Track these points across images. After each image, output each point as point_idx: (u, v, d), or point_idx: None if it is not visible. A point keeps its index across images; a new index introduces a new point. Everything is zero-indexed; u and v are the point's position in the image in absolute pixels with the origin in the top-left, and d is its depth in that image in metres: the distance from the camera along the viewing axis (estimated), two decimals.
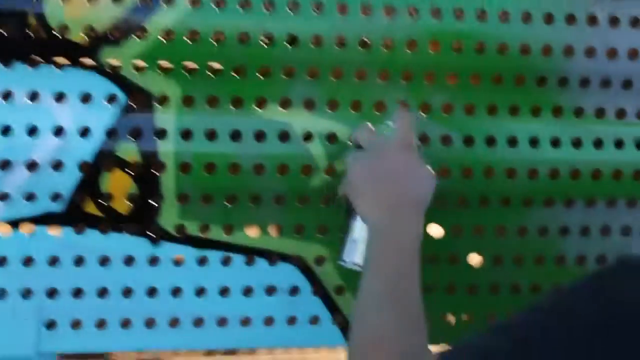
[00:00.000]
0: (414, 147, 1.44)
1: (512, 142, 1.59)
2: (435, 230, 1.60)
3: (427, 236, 1.54)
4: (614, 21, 1.60)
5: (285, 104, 1.54)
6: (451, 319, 1.63)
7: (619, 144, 1.62)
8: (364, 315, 1.29)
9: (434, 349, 1.22)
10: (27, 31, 1.44)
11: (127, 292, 1.53)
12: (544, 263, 1.63)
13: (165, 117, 1.50)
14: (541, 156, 1.60)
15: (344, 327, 1.59)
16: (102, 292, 1.52)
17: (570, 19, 1.58)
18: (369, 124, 1.50)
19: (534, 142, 1.59)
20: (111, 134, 1.49)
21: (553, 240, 1.63)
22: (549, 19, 1.57)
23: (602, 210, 1.65)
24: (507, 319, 1.11)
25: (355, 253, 1.45)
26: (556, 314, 1.04)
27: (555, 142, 1.60)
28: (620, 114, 1.62)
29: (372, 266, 1.33)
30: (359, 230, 1.45)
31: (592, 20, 1.59)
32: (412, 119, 1.47)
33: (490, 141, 1.58)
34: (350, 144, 1.51)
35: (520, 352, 1.01)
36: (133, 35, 1.47)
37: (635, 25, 1.60)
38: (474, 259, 1.62)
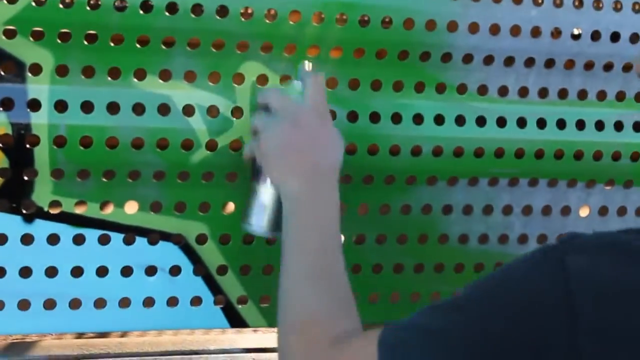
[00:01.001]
0: (328, 112, 1.42)
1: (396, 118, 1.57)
2: None
3: None
4: None
5: (165, 75, 1.48)
6: None
7: (501, 121, 1.62)
8: (292, 291, 1.27)
9: None
10: None
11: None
12: (427, 242, 1.62)
13: (38, 88, 1.43)
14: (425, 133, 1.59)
15: (226, 308, 1.55)
16: None
17: None
18: (277, 86, 1.48)
19: (418, 118, 1.58)
20: None
21: (436, 218, 1.62)
22: None
23: (484, 189, 1.64)
24: (448, 299, 1.13)
25: (263, 218, 1.42)
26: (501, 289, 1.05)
27: (439, 119, 1.59)
28: (503, 91, 1.62)
29: (295, 239, 1.31)
30: (267, 194, 1.41)
31: None
32: (322, 80, 1.42)
33: (375, 117, 1.56)
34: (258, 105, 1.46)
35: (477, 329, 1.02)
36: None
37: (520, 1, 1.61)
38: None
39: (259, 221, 1.42)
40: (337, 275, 1.29)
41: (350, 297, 1.27)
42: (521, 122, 1.63)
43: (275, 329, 1.29)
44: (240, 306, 1.56)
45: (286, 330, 1.24)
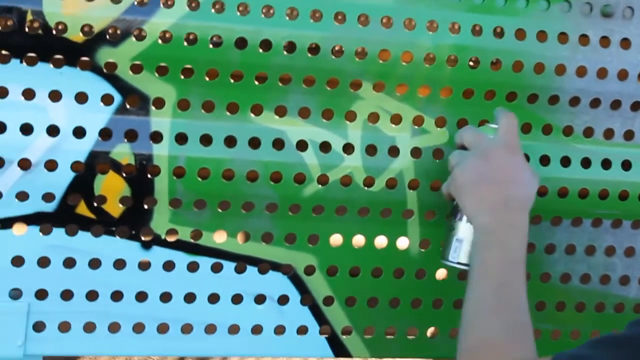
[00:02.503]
0: (520, 149, 1.44)
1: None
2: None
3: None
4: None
5: (281, 111, 1.53)
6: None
7: (606, 163, 1.64)
8: (473, 318, 1.31)
9: None
10: (25, 28, 1.42)
11: (117, 296, 1.51)
12: (529, 280, 1.64)
13: (161, 121, 1.49)
14: None
15: (331, 338, 1.59)
16: (92, 295, 1.50)
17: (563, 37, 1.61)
18: (472, 126, 1.53)
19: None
20: (106, 135, 1.47)
21: (539, 257, 1.64)
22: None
23: (587, 230, 1.66)
24: (611, 334, 1.18)
25: (460, 252, 1.46)
26: None
27: (545, 160, 1.61)
28: (608, 134, 1.64)
29: (481, 269, 1.35)
30: (464, 229, 1.45)
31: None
32: (516, 121, 1.45)
33: None
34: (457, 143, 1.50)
35: None
36: (131, 36, 1.46)
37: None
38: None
39: (457, 256, 1.46)
40: (519, 306, 1.32)
41: (529, 327, 1.30)
42: (626, 165, 1.64)
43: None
44: (344, 337, 1.60)
45: (466, 354, 1.28)
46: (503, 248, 1.35)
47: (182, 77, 1.48)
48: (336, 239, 1.59)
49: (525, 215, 1.39)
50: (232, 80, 1.50)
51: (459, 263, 1.47)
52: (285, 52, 1.50)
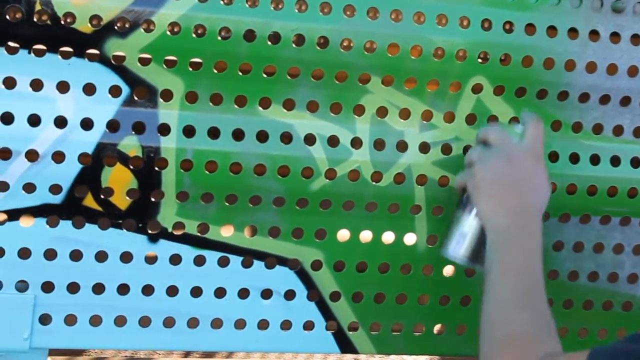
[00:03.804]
0: (542, 155, 1.45)
1: None
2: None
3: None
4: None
5: (289, 105, 1.53)
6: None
7: (615, 160, 1.63)
8: (495, 314, 1.31)
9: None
10: (33, 18, 1.42)
11: (123, 290, 1.50)
12: None
13: (169, 113, 1.48)
14: None
15: (337, 334, 1.58)
16: (98, 289, 1.49)
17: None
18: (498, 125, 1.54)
19: None
20: (113, 127, 1.47)
21: (547, 254, 1.63)
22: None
23: (596, 227, 1.66)
24: None
25: (462, 246, 1.46)
26: None
27: (553, 156, 1.61)
28: (618, 130, 1.64)
29: (500, 267, 1.35)
30: (470, 224, 1.45)
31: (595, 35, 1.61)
32: (542, 126, 1.46)
33: None
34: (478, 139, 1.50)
35: None
36: (139, 27, 1.45)
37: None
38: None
39: (458, 249, 1.46)
40: (540, 301, 1.32)
41: (552, 322, 1.30)
42: (635, 162, 1.64)
43: (380, 356, 1.31)
44: (351, 332, 1.59)
45: (494, 347, 1.27)
46: (523, 250, 1.36)
47: (190, 69, 1.48)
48: (343, 234, 1.58)
49: (540, 220, 1.41)
50: (240, 73, 1.50)
51: (459, 257, 1.46)
52: (294, 45, 1.50)
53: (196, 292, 1.53)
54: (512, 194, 1.40)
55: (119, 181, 1.47)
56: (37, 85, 1.44)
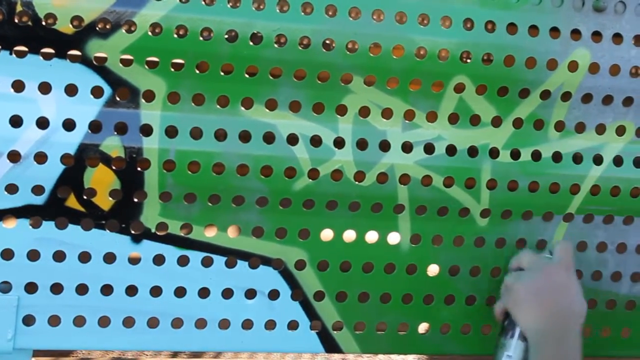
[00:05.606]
0: (574, 269, 1.52)
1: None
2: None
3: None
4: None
5: (271, 105, 1.53)
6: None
7: (597, 159, 1.64)
8: None
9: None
10: (14, 19, 1.42)
11: (107, 290, 1.50)
12: None
13: (151, 114, 1.48)
14: (522, 169, 1.61)
15: (322, 333, 1.58)
16: (82, 289, 1.49)
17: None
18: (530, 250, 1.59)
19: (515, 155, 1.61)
20: (95, 128, 1.47)
21: None
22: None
23: (579, 226, 1.66)
24: None
25: None
26: None
27: (536, 155, 1.61)
28: (600, 129, 1.64)
29: None
30: (514, 347, 1.49)
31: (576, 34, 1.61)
32: (571, 245, 1.55)
33: (473, 152, 1.59)
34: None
35: None
36: (121, 28, 1.46)
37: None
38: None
39: None
40: None
41: None
42: (617, 161, 1.64)
43: (368, 356, 1.32)
44: (335, 332, 1.59)
45: None
46: (563, 351, 1.44)
47: (173, 70, 1.48)
48: (327, 234, 1.58)
49: (579, 328, 1.47)
50: (222, 74, 1.50)
51: None
52: (276, 46, 1.50)
53: (180, 292, 1.53)
54: (549, 301, 1.48)
55: (101, 182, 1.48)
56: (18, 86, 1.44)
